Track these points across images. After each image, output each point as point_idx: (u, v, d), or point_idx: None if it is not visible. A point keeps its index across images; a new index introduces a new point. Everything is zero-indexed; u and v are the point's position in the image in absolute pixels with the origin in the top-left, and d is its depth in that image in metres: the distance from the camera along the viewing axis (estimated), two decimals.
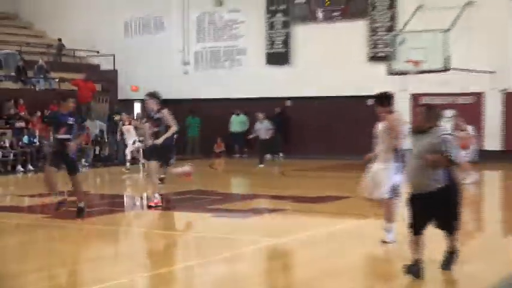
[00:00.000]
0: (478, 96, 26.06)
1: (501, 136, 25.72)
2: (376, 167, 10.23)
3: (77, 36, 32.90)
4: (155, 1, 31.55)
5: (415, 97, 26.09)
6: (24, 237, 12.20)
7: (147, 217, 14.92)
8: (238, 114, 29.54)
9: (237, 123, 29.65)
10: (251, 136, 26.15)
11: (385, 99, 10.40)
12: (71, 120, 12.87)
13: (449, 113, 26.41)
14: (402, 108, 19.64)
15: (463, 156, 16.42)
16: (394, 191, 10.09)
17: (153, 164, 14.78)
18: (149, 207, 14.62)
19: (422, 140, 8.02)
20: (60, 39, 33.08)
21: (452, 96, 26.19)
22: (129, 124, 24.39)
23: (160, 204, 14.45)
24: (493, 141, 25.56)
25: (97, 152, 27.26)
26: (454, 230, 8.25)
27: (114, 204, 16.92)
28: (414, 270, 7.93)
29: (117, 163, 26.80)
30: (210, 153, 29.78)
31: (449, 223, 8.21)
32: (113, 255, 10.79)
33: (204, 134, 30.25)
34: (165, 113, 14.76)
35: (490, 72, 25.20)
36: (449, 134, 8.19)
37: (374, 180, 10.21)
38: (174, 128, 14.80)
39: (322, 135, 27.59)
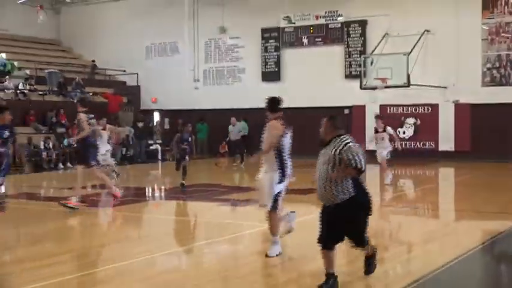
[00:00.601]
0: (434, 106, 26.07)
1: (453, 139, 25.75)
2: (261, 175, 8.59)
3: (107, 57, 32.89)
4: (171, 30, 31.53)
5: (383, 107, 26.18)
6: (63, 222, 12.18)
7: (165, 206, 14.92)
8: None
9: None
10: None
11: (272, 104, 9.18)
12: (6, 134, 10.79)
13: (410, 120, 26.87)
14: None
15: (384, 157, 16.00)
16: (275, 201, 8.36)
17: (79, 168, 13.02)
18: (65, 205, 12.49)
19: (325, 151, 6.59)
20: (93, 61, 33.05)
21: (413, 106, 26.37)
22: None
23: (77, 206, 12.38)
24: (447, 144, 25.66)
25: (123, 152, 27.19)
26: (362, 244, 6.80)
27: (138, 195, 16.90)
28: (327, 286, 6.52)
29: (140, 161, 26.83)
30: (216, 153, 29.80)
31: (356, 237, 6.78)
32: (136, 237, 10.76)
33: (210, 138, 30.25)
34: (81, 116, 12.82)
35: (443, 87, 25.36)
36: (352, 142, 6.50)
37: (259, 189, 8.63)
38: (83, 132, 12.75)
39: (308, 138, 27.60)
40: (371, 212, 6.75)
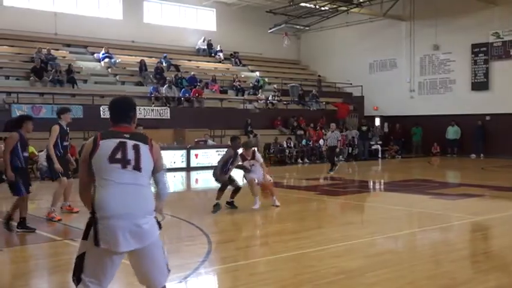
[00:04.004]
0: None
1: None
2: None
3: (336, 73, 33.38)
4: (390, 49, 31.07)
5: None
6: (301, 206, 12.61)
7: (383, 196, 14.70)
8: (453, 125, 28.20)
9: (452, 132, 28.28)
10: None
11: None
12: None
13: None
14: None
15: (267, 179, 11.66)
16: None
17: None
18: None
19: None
20: (319, 75, 33.80)
21: None
22: None
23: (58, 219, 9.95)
24: None
25: (350, 151, 27.35)
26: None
27: (362, 187, 16.91)
28: None
29: (363, 159, 26.79)
30: (429, 153, 28.79)
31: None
32: (360, 221, 10.80)
33: (424, 139, 29.29)
34: (51, 129, 10.02)
35: None
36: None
37: None
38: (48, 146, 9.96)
39: None
40: None
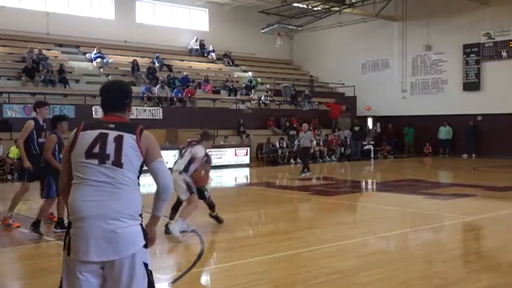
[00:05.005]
0: None
1: None
2: None
3: (329, 73, 33.46)
4: (383, 49, 31.15)
5: None
6: (293, 206, 12.61)
7: (376, 197, 14.76)
8: (445, 126, 28.30)
9: (444, 132, 28.37)
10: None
11: None
12: None
13: None
14: None
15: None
16: None
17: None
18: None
19: None
20: (311, 76, 33.89)
21: None
22: None
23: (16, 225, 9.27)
24: None
25: (342, 151, 27.39)
26: None
27: (354, 187, 16.94)
28: None
29: (356, 159, 26.84)
30: (421, 153, 28.90)
31: None
32: (352, 221, 10.82)
33: (416, 140, 29.40)
34: (25, 124, 9.35)
35: None
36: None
37: None
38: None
39: (504, 140, 25.69)
40: None
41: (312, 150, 20.26)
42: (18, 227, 9.21)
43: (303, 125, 19.91)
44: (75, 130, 3.49)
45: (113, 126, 3.43)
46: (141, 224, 3.38)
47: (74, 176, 3.40)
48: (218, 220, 9.56)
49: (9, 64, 23.92)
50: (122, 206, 3.29)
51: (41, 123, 9.32)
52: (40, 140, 9.20)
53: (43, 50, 24.77)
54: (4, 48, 24.88)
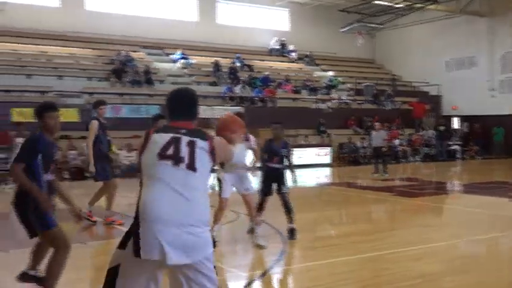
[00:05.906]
0: None
1: None
2: None
3: (413, 72, 32.61)
4: (468, 46, 30.00)
5: None
6: (375, 206, 12.45)
7: (462, 199, 14.28)
8: None
9: None
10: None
11: None
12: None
13: None
14: None
15: None
16: None
17: None
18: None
19: None
20: (394, 75, 33.15)
21: None
22: None
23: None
24: None
25: (427, 151, 26.69)
26: None
27: (439, 188, 16.46)
28: None
29: (441, 159, 26.06)
30: (511, 154, 27.67)
31: None
32: (438, 224, 10.54)
33: (507, 140, 28.12)
34: (90, 125, 9.30)
35: None
36: None
37: None
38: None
39: None
40: None
41: (384, 149, 19.44)
42: (120, 224, 9.21)
43: (375, 124, 19.60)
44: (146, 132, 3.53)
45: (184, 131, 3.46)
46: (210, 230, 3.46)
47: (147, 175, 3.41)
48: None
49: (100, 66, 25.09)
50: (197, 211, 3.33)
51: (101, 121, 9.38)
52: (108, 138, 9.56)
53: (129, 52, 25.79)
54: (95, 51, 26.09)
